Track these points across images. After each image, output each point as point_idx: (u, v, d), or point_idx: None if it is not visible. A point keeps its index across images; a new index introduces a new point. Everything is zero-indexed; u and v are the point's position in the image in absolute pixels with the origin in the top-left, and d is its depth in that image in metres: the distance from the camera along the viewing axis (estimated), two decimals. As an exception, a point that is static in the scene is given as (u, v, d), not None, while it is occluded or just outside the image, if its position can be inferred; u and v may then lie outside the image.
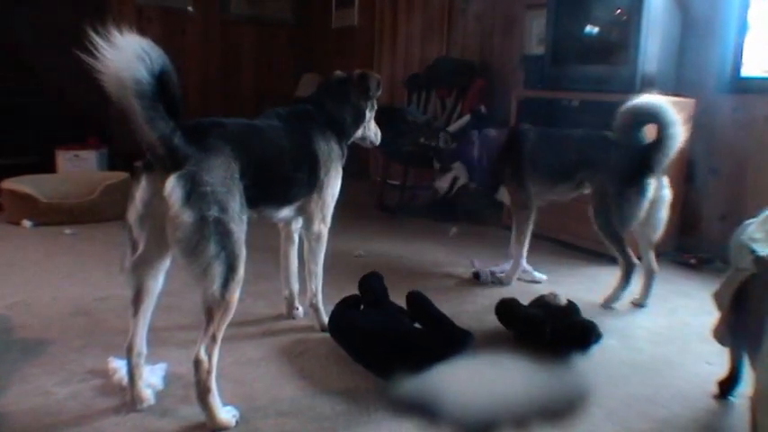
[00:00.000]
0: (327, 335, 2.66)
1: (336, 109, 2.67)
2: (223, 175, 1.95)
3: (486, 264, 3.65)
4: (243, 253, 1.97)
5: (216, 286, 1.88)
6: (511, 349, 2.66)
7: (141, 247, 1.92)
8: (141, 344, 2.05)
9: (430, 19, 6.45)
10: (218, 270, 1.88)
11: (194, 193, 1.84)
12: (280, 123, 2.43)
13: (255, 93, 8.13)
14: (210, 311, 1.91)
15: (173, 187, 1.82)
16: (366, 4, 7.37)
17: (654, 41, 3.92)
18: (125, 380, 2.11)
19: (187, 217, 1.82)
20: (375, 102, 2.86)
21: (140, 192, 1.89)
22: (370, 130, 2.91)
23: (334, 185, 2.62)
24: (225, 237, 1.89)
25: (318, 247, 2.70)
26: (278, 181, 2.34)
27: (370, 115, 2.85)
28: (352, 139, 2.81)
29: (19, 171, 5.09)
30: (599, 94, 4.11)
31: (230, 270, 1.91)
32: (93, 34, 1.64)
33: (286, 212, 2.52)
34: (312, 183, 2.51)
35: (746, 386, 2.11)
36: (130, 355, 2.04)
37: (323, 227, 2.65)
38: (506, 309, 2.83)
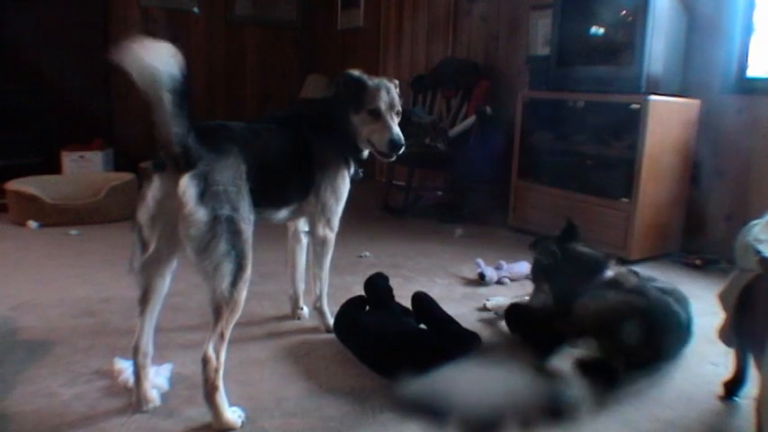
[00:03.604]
0: (333, 335, 2.67)
1: (327, 111, 2.64)
2: (233, 176, 1.99)
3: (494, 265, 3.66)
4: (251, 252, 1.99)
5: (225, 284, 1.90)
6: (517, 350, 2.66)
7: (152, 247, 1.94)
8: (147, 344, 2.06)
9: (435, 20, 6.46)
10: (227, 268, 1.90)
11: (208, 192, 1.87)
12: (277, 126, 2.44)
13: (260, 94, 8.15)
14: (219, 309, 1.92)
15: (187, 186, 1.85)
16: (372, 5, 7.38)
17: (659, 42, 3.91)
18: (131, 381, 2.11)
19: (201, 215, 1.85)
20: (366, 104, 2.55)
21: (153, 191, 1.92)
22: (372, 135, 2.57)
23: (335, 189, 2.58)
24: (235, 236, 1.92)
25: (324, 252, 2.68)
26: (275, 183, 2.35)
27: (359, 118, 2.57)
28: (357, 143, 2.64)
29: (23, 172, 5.12)
30: (604, 95, 4.11)
31: (239, 269, 1.93)
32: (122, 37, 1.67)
33: (284, 214, 2.51)
34: (307, 185, 2.50)
35: (751, 387, 2.11)
36: (137, 356, 2.05)
37: (328, 231, 2.63)
38: (518, 315, 2.79)
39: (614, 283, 2.54)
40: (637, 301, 2.39)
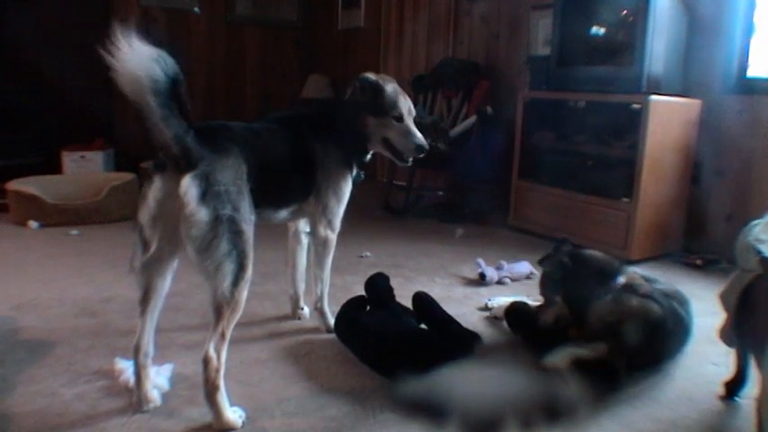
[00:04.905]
0: (333, 336, 2.67)
1: (329, 112, 2.65)
2: (234, 176, 2.00)
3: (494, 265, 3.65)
4: (252, 252, 1.99)
5: (226, 284, 1.91)
6: (517, 350, 2.66)
7: (153, 247, 1.94)
8: (148, 344, 2.06)
9: (436, 20, 6.45)
10: (229, 268, 1.91)
11: (209, 192, 1.88)
12: (278, 127, 2.44)
13: (260, 94, 8.14)
14: (220, 309, 1.93)
15: (188, 186, 1.85)
16: (372, 5, 7.37)
17: (660, 42, 3.91)
18: (131, 381, 2.12)
19: (203, 215, 1.86)
20: (389, 109, 2.58)
21: (154, 191, 1.92)
22: (394, 140, 2.61)
23: (336, 190, 2.58)
24: (237, 236, 1.93)
25: (325, 253, 2.68)
26: (276, 183, 2.35)
27: (379, 122, 2.60)
28: (368, 146, 2.67)
29: (24, 172, 5.13)
30: (605, 95, 4.11)
31: (240, 269, 1.94)
32: (110, 34, 1.66)
33: (285, 214, 2.51)
34: (308, 186, 2.50)
35: (752, 387, 2.10)
36: (137, 356, 2.05)
37: (329, 232, 2.62)
38: (519, 315, 2.79)
39: (628, 289, 2.50)
40: (652, 307, 2.39)
